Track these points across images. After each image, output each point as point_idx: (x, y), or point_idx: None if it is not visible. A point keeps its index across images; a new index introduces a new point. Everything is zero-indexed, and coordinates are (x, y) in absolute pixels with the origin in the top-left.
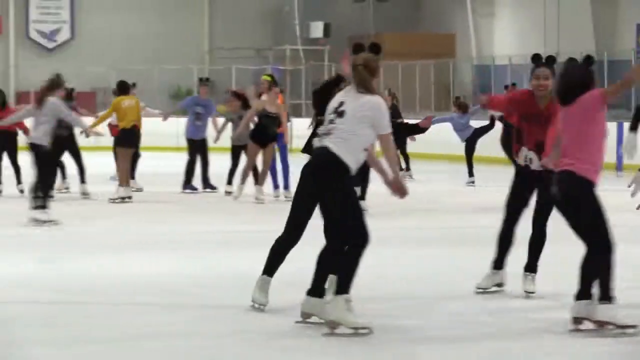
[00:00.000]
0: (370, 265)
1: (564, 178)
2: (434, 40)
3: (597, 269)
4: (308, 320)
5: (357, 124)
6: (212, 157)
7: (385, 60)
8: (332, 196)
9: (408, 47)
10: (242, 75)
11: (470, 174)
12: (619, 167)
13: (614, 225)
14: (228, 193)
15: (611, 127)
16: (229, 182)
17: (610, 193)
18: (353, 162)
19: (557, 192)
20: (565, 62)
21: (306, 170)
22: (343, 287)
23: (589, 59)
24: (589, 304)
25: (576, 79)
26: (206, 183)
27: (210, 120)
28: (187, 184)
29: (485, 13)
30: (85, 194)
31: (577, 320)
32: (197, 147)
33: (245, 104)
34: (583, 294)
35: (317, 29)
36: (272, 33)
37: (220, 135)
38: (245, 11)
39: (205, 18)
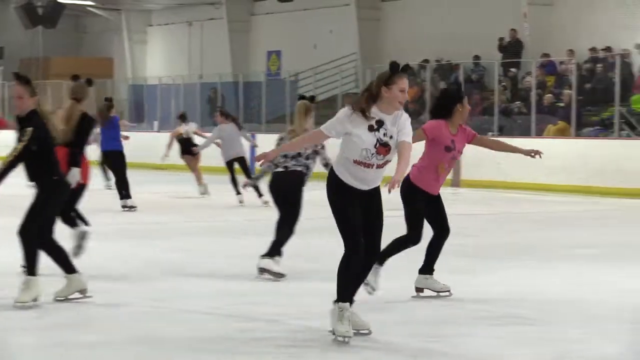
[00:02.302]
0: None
1: None
2: (95, 63)
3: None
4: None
5: None
6: None
7: (52, 80)
8: None
9: (73, 69)
10: None
11: None
12: (251, 171)
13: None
14: None
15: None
16: None
17: (249, 194)
18: None
19: None
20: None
21: None
22: None
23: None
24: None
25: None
26: None
27: None
28: None
29: (139, 40)
30: None
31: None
32: None
33: None
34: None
35: None
36: None
37: None
38: None
39: None
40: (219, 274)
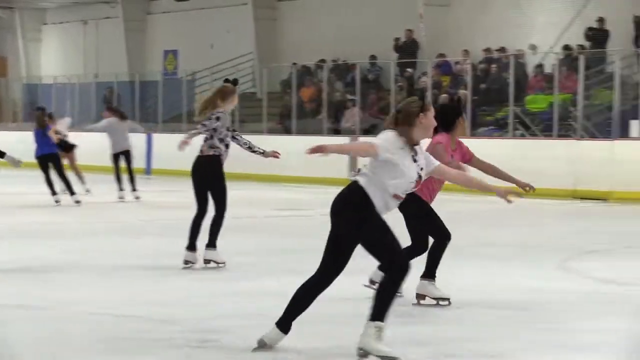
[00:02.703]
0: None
1: None
2: None
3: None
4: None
5: None
6: None
7: None
8: None
9: None
10: None
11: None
12: (147, 171)
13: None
14: None
15: (141, 137)
16: None
17: (143, 193)
18: None
19: None
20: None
21: None
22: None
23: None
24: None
25: None
26: None
27: None
28: None
29: (33, 38)
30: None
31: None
32: None
33: None
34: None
35: None
36: None
37: None
38: None
39: None
40: (115, 274)
